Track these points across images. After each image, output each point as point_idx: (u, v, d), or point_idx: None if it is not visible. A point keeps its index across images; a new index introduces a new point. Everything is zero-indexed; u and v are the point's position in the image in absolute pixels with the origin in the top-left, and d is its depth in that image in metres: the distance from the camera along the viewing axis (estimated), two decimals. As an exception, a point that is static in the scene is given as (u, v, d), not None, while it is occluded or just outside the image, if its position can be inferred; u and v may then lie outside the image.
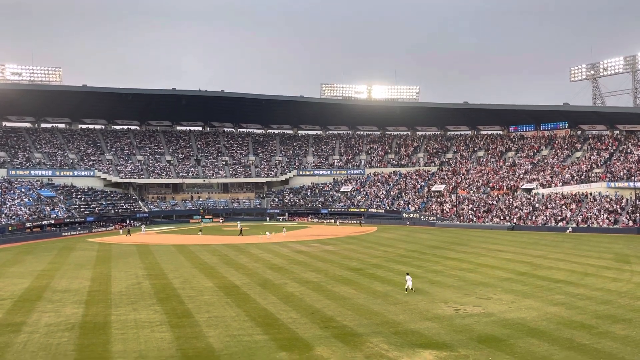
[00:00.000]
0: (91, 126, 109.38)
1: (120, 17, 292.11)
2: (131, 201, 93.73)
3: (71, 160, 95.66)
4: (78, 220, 79.63)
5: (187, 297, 29.54)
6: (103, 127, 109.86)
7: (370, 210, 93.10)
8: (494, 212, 78.28)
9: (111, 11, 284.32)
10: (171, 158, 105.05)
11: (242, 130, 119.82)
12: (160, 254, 49.99)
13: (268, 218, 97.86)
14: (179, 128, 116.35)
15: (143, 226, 79.49)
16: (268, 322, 23.80)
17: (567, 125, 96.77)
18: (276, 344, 20.51)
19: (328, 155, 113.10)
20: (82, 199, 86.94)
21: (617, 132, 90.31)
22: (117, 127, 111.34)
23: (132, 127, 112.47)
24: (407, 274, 31.10)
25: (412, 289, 29.52)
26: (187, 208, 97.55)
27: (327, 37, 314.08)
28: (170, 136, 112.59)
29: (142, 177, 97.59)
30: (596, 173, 78.72)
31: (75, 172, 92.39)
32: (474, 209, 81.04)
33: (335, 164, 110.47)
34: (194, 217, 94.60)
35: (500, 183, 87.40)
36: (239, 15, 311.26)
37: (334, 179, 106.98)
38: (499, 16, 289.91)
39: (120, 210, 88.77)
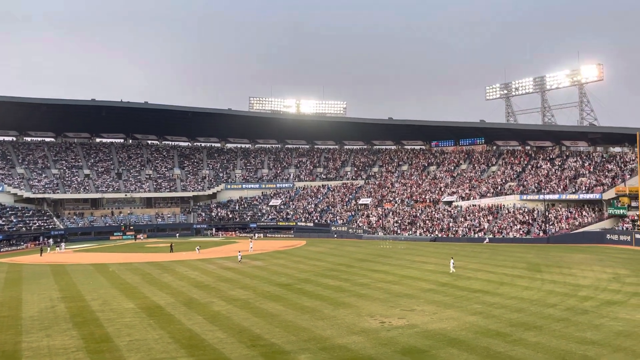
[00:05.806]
0: (0, 138, 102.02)
1: (36, 24, 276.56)
2: (45, 217, 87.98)
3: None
4: (-16, 239, 73.64)
5: (106, 320, 28.08)
6: (14, 138, 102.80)
7: (299, 223, 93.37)
8: (418, 224, 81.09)
9: (24, 17, 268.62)
10: (90, 172, 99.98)
11: (167, 142, 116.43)
12: (77, 274, 47.18)
13: (177, 234, 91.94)
14: (98, 140, 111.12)
15: (63, 244, 74.39)
16: (193, 343, 23.13)
17: (483, 141, 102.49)
18: (201, 366, 19.95)
19: (257, 169, 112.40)
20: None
21: (529, 147, 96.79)
22: (30, 139, 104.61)
23: (47, 139, 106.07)
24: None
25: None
26: (107, 224, 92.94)
27: (256, 51, 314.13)
28: (89, 149, 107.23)
29: (58, 192, 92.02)
30: (510, 186, 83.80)
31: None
32: (399, 221, 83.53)
33: (264, 177, 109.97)
34: (115, 233, 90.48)
35: (423, 196, 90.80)
36: (165, 24, 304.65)
37: (262, 192, 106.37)
38: (424, 34, 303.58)
39: (32, 228, 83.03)
